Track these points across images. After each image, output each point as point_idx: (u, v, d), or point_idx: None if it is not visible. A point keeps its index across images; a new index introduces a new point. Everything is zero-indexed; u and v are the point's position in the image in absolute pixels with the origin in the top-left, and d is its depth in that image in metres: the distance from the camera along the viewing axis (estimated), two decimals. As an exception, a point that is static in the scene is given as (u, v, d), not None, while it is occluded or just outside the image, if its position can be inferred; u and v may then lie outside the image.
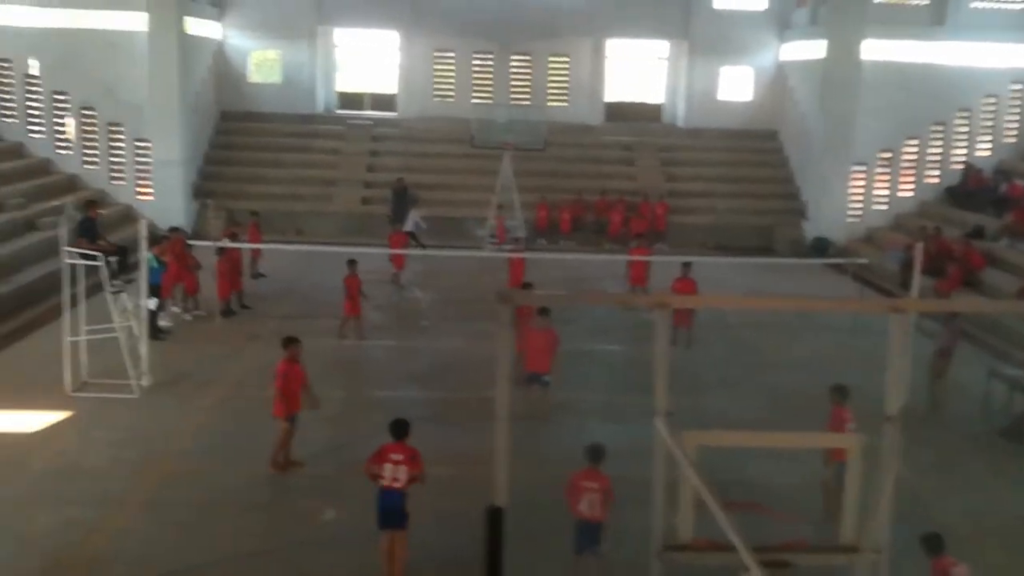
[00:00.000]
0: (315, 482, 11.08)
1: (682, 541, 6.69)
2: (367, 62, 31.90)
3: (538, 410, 12.79)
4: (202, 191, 26.64)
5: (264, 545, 9.64)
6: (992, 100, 27.69)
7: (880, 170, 27.74)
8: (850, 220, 27.36)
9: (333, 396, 12.82)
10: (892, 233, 26.04)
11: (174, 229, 18.78)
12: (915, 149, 27.74)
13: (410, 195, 26.24)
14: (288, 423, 11.09)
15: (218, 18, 29.25)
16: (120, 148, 26.24)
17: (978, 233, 22.49)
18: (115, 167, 26.28)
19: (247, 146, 29.00)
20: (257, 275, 21.05)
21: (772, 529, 7.05)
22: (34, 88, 25.99)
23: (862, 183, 27.63)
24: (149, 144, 25.85)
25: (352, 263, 16.90)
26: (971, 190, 26.19)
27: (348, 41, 31.60)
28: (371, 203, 27.58)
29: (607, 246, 25.55)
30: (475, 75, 31.19)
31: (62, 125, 26.20)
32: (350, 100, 31.60)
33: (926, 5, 27.16)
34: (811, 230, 27.08)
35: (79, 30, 25.29)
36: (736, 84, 30.83)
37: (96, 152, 26.23)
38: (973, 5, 27.03)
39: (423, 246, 23.22)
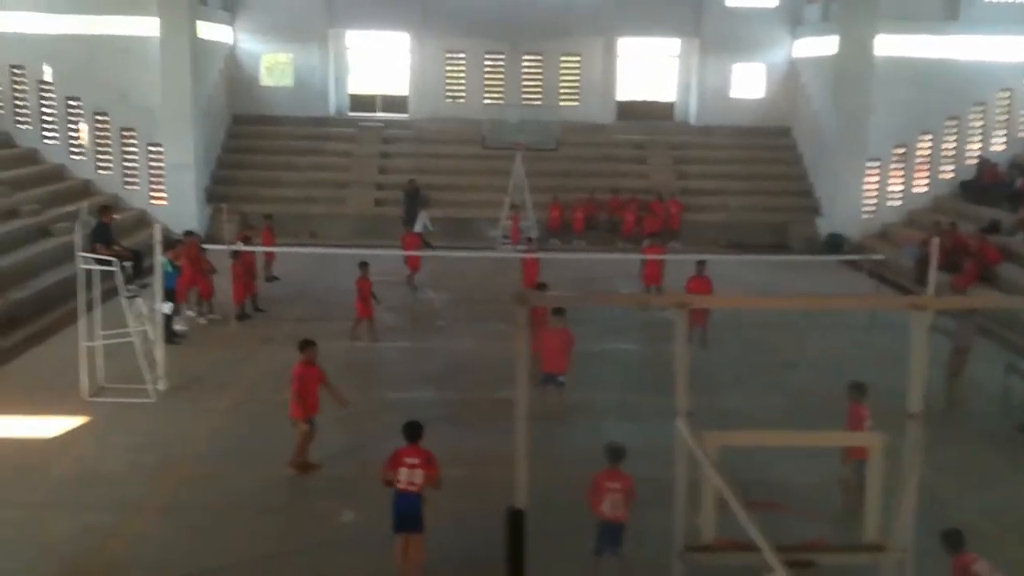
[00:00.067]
0: (332, 484, 11.07)
1: (705, 542, 6.66)
2: (378, 64, 31.94)
3: (553, 411, 12.75)
4: (215, 195, 26.70)
5: (280, 548, 9.63)
6: (1006, 94, 27.47)
7: (894, 166, 27.56)
8: (864, 216, 27.18)
9: (348, 398, 12.81)
10: (907, 229, 25.86)
11: (188, 233, 18.81)
12: (929, 144, 27.54)
13: (421, 196, 26.27)
14: (307, 425, 11.12)
15: (230, 22, 29.37)
16: (133, 153, 26.33)
17: (993, 228, 22.32)
18: (128, 172, 26.37)
19: (259, 149, 29.07)
20: (271, 278, 21.09)
21: (792, 528, 7.01)
22: (48, 94, 26.12)
23: (876, 179, 27.46)
24: (162, 149, 25.91)
25: (363, 265, 16.90)
26: (986, 185, 25.99)
27: (359, 43, 31.63)
28: (384, 205, 27.62)
29: (620, 245, 25.51)
30: (486, 76, 31.18)
31: (76, 131, 26.32)
32: (362, 102, 31.62)
33: (939, -1, 27.03)
34: (825, 227, 26.94)
35: (92, 36, 25.38)
36: (748, 81, 30.71)
37: (110, 157, 26.33)
38: (987, -1, 26.88)
39: (431, 247, 23.24)
